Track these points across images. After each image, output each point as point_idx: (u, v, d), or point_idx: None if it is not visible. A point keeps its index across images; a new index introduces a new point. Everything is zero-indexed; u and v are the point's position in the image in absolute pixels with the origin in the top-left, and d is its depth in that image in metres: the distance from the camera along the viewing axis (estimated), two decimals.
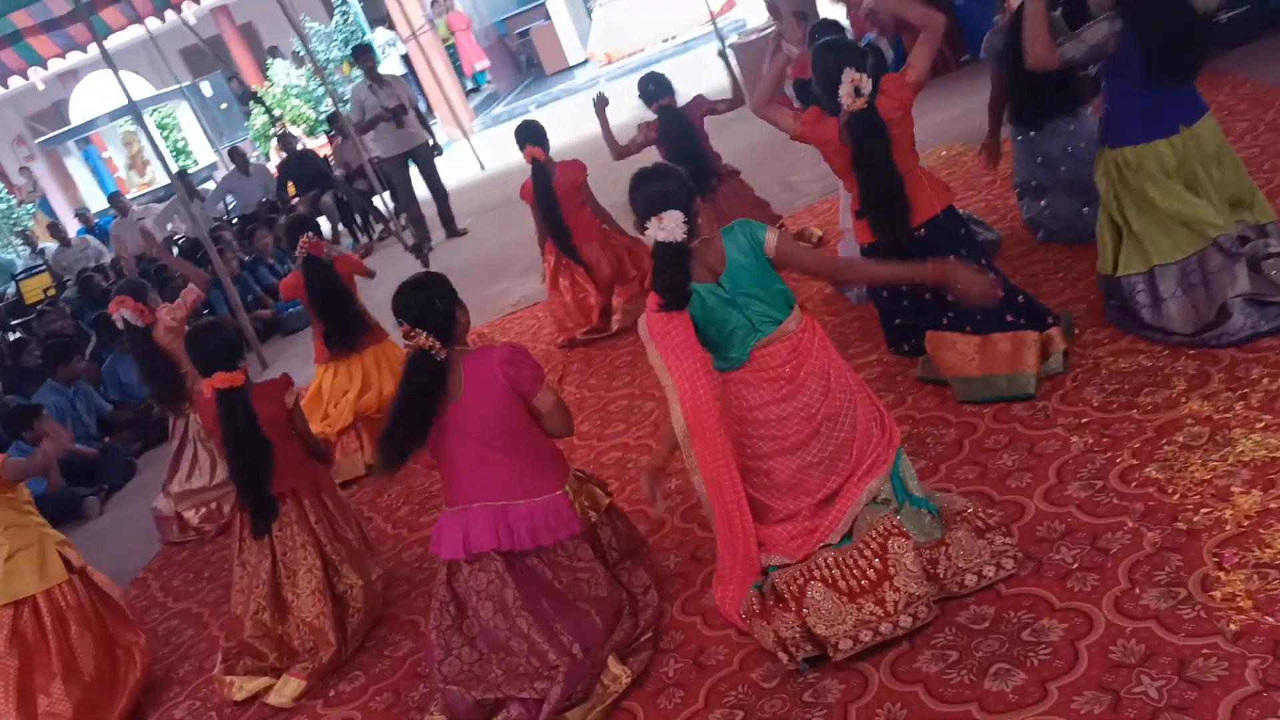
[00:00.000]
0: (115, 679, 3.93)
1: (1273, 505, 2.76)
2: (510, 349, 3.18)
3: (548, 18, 18.77)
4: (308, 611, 3.73)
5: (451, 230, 10.09)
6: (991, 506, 3.17)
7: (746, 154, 7.78)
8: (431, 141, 10.05)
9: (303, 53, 16.74)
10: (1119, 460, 3.17)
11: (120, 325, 5.08)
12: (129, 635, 4.03)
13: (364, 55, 9.52)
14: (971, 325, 3.85)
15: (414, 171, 9.83)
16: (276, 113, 15.69)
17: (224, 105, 17.41)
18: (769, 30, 10.24)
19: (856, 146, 3.80)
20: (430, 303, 3.15)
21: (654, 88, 5.92)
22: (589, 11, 20.53)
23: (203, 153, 18.11)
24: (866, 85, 3.69)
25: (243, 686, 3.76)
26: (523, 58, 20.67)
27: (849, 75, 3.67)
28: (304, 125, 16.43)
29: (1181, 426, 3.21)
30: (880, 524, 2.91)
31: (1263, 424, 3.07)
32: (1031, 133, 4.71)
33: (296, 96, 16.32)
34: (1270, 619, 2.43)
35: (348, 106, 10.30)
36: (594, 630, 3.13)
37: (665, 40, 17.24)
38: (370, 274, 5.69)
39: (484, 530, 3.15)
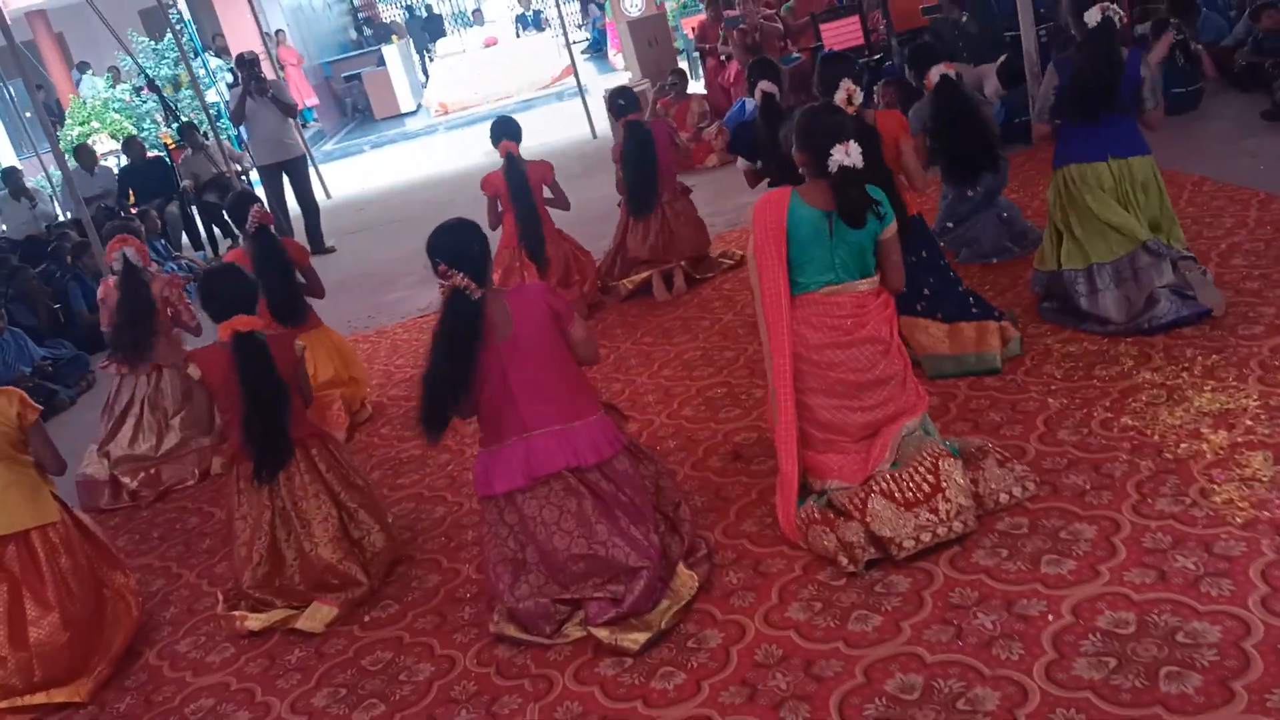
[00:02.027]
0: (106, 619, 3.76)
1: (1239, 440, 3.38)
2: (543, 285, 3.39)
3: (382, 64, 18.84)
4: (329, 556, 3.74)
5: (319, 248, 9.97)
6: (1012, 462, 3.65)
7: None
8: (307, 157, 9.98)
9: (127, 67, 16.06)
10: (1095, 415, 3.74)
11: (118, 265, 4.93)
12: (119, 577, 3.88)
13: (249, 66, 9.37)
14: (942, 313, 4.40)
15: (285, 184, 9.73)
16: (94, 125, 14.94)
17: (28, 114, 16.28)
18: (642, 88, 10.87)
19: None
20: (469, 243, 3.30)
21: (624, 102, 6.29)
22: (425, 64, 20.73)
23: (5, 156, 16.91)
24: (858, 98, 4.19)
25: (258, 618, 3.71)
26: (348, 101, 20.57)
27: (845, 84, 4.18)
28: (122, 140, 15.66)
29: (1141, 390, 3.82)
30: (929, 448, 3.34)
31: (1209, 388, 3.73)
32: (969, 191, 5.45)
33: (116, 110, 15.56)
34: (1268, 512, 3.00)
35: (205, 120, 10.08)
36: (659, 536, 3.37)
37: (500, 99, 17.67)
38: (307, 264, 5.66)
39: (551, 453, 3.29)
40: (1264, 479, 3.14)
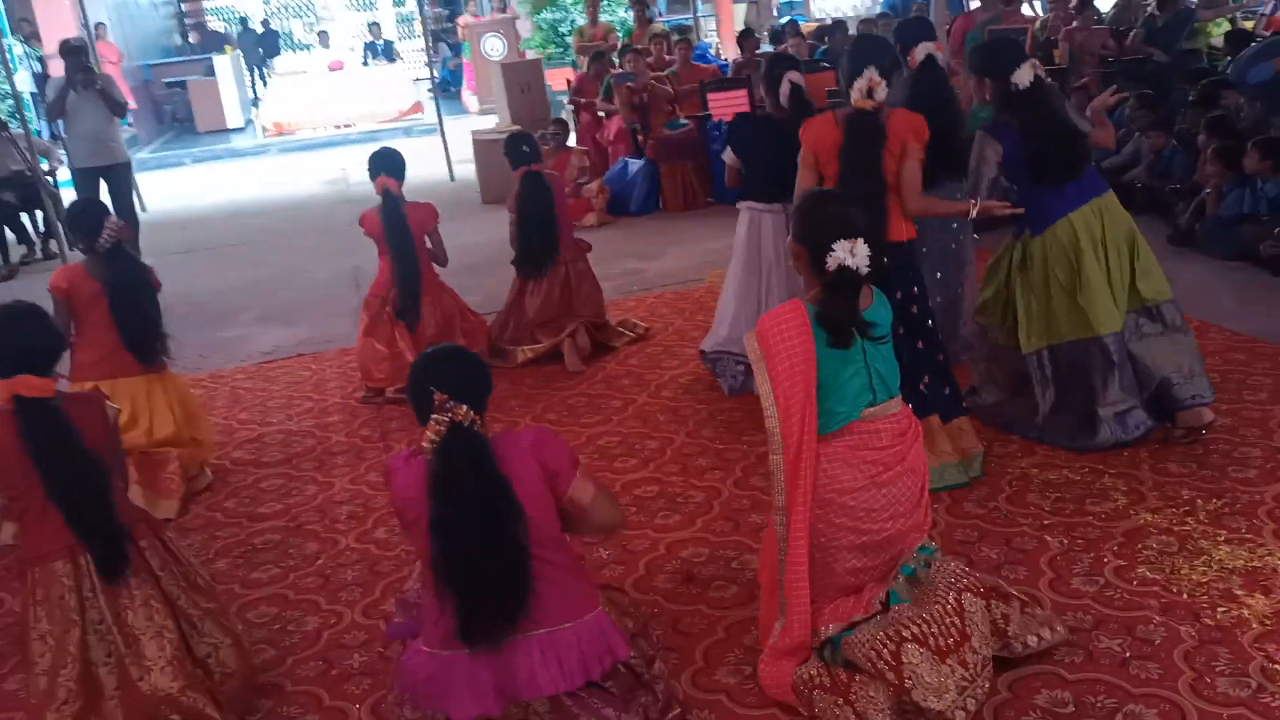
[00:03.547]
0: None
1: None
2: (537, 430, 2.63)
3: (212, 74, 17.44)
4: (167, 686, 2.82)
5: None
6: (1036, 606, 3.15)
7: None
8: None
9: None
10: (1106, 561, 3.30)
11: None
12: None
13: (75, 54, 8.15)
14: (940, 413, 3.89)
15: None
16: None
17: None
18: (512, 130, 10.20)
19: (851, 138, 3.72)
20: (480, 369, 2.62)
21: (527, 149, 5.61)
22: (256, 80, 19.43)
23: None
24: (882, 93, 3.69)
25: None
26: (168, 109, 18.98)
27: (870, 73, 3.66)
28: None
29: (1148, 535, 3.42)
30: (945, 576, 2.78)
31: (1223, 538, 3.36)
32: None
33: None
34: None
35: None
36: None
37: (340, 126, 16.64)
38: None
39: (536, 668, 2.49)
40: None
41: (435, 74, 13.85)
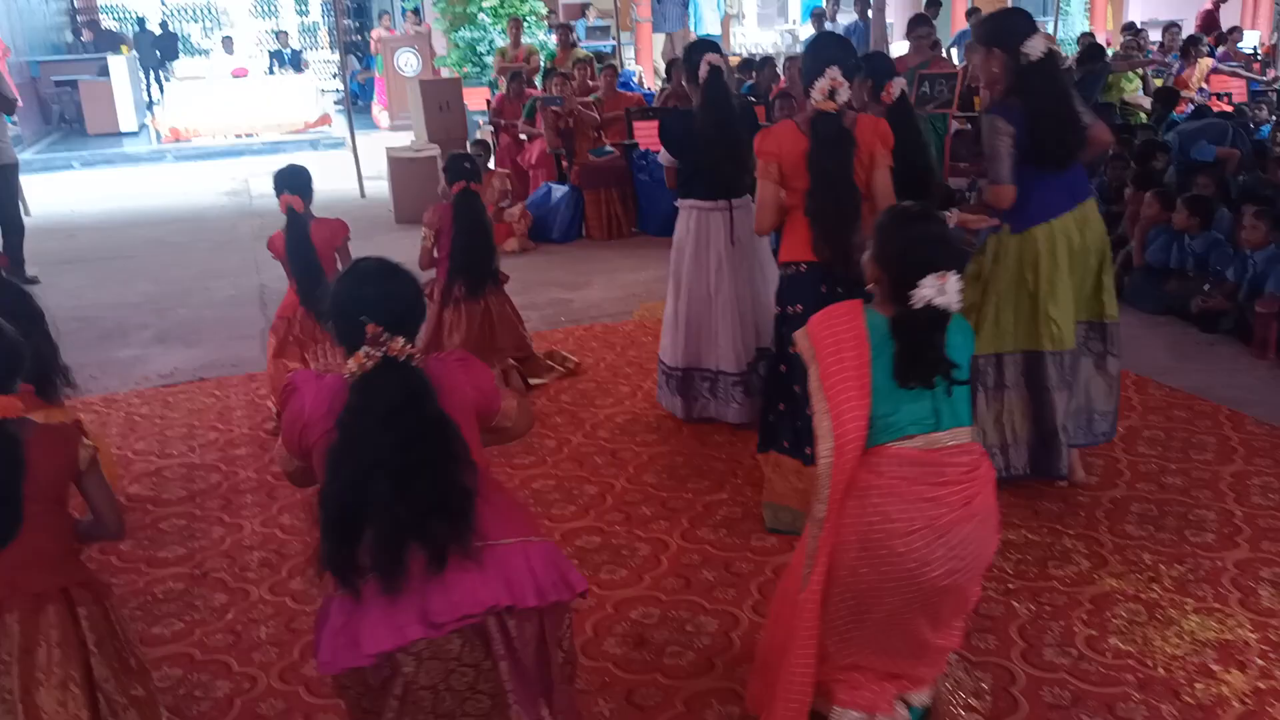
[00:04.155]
0: None
1: (1261, 686, 2.89)
2: (460, 353, 2.37)
3: (106, 74, 16.62)
4: None
5: (19, 277, 8.14)
6: (975, 668, 2.99)
7: None
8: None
9: None
10: (1076, 630, 3.17)
11: None
12: None
13: None
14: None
15: None
16: None
17: None
18: (432, 153, 9.88)
19: (820, 146, 3.50)
20: (416, 295, 2.27)
21: (469, 166, 5.31)
22: (151, 83, 18.65)
23: None
24: (844, 94, 3.50)
25: None
26: (55, 109, 18.03)
27: (833, 72, 3.46)
28: None
29: (1115, 602, 3.30)
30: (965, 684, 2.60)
31: (1190, 607, 3.26)
32: None
33: None
34: None
35: None
36: None
37: (242, 135, 16.01)
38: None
39: (473, 582, 2.08)
40: None
41: (346, 86, 13.39)
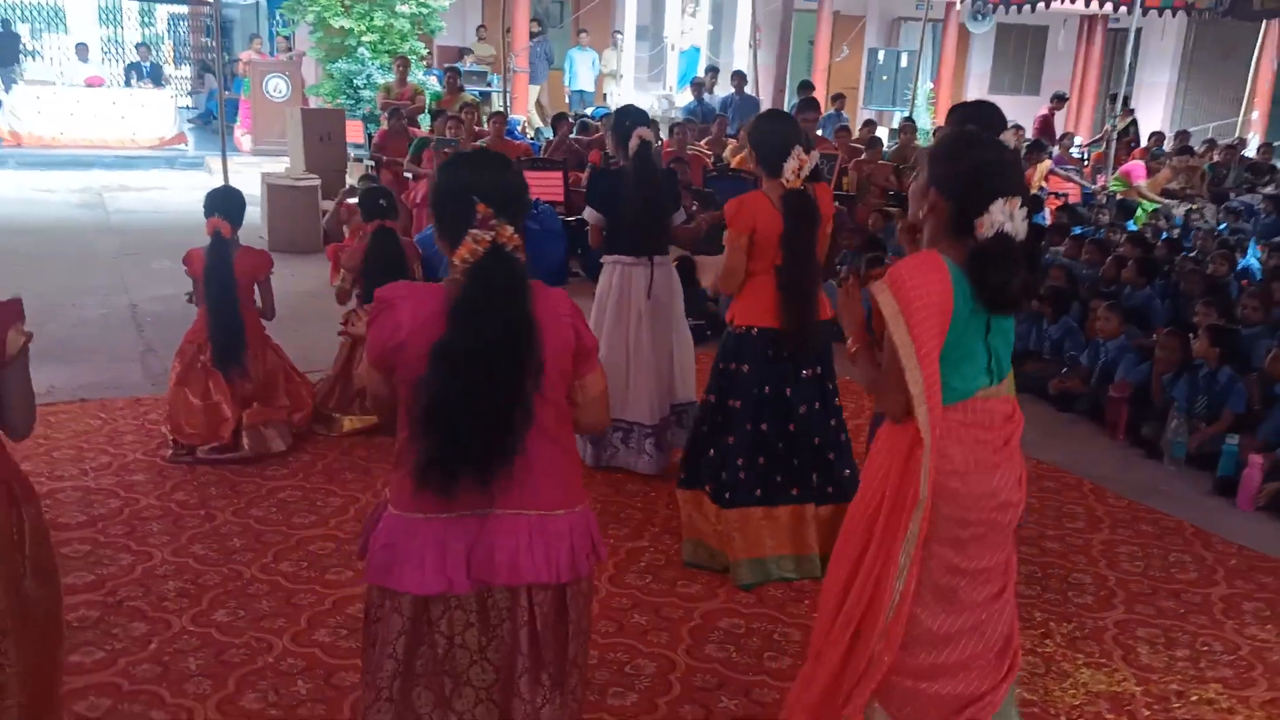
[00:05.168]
0: None
1: None
2: (571, 303, 2.24)
3: None
4: None
5: None
6: None
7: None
8: None
9: None
10: None
11: None
12: None
13: None
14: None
15: None
16: None
17: None
18: (311, 183, 9.75)
19: (792, 221, 3.75)
20: (524, 188, 2.25)
21: (384, 204, 5.34)
22: (2, 84, 17.64)
23: None
24: (808, 169, 3.75)
25: None
26: None
27: (798, 152, 3.71)
28: None
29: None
30: None
31: (1081, 661, 3.59)
32: None
33: None
34: None
35: None
36: None
37: (94, 146, 15.29)
38: None
39: (520, 551, 2.12)
40: None
41: (219, 107, 13.00)
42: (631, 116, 4.83)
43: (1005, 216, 2.28)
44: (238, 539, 4.12)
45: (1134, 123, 14.99)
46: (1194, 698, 3.40)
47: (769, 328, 3.83)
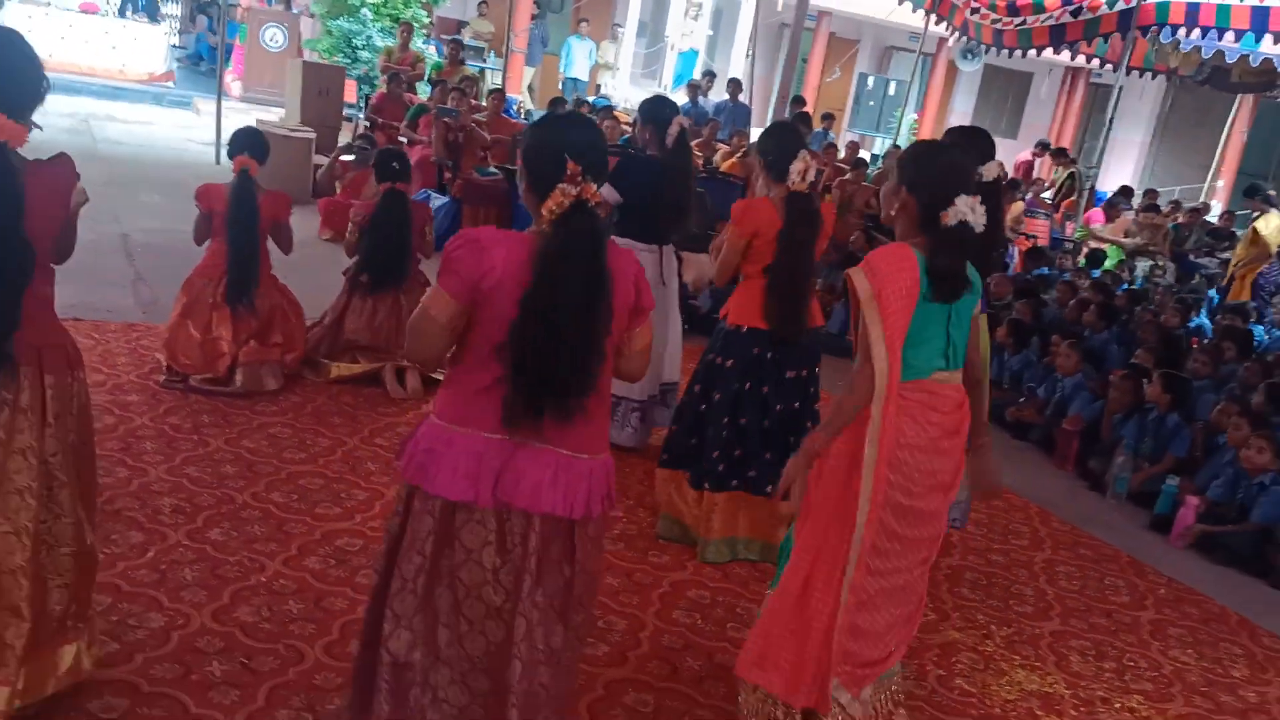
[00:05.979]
0: None
1: None
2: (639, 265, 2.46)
3: None
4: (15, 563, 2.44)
5: None
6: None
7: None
8: None
9: None
10: (929, 669, 3.68)
11: None
12: None
13: None
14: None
15: None
16: None
17: None
18: (307, 136, 9.82)
19: (793, 221, 3.92)
20: (607, 152, 2.42)
21: (397, 167, 5.48)
22: None
23: None
24: (813, 174, 3.98)
25: None
26: None
27: (805, 155, 3.93)
28: None
29: (959, 651, 3.85)
30: (893, 689, 3.05)
31: (1017, 662, 3.85)
32: None
33: None
34: None
35: None
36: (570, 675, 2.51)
37: (82, 74, 15.14)
38: None
39: (544, 483, 2.30)
40: None
41: (219, 50, 12.96)
42: (670, 106, 4.99)
43: (968, 209, 2.61)
44: (230, 466, 4.26)
45: (1072, 175, 14.60)
46: (1117, 705, 3.68)
47: (759, 328, 4.05)
